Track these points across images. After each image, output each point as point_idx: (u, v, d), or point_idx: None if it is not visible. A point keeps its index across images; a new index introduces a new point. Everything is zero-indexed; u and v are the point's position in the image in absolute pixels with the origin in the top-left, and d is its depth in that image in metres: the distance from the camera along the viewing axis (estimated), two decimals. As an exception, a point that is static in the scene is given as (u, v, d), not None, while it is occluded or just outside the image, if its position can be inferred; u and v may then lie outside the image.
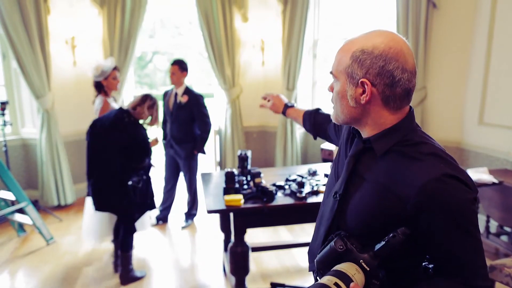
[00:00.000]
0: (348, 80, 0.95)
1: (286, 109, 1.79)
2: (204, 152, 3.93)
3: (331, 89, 1.03)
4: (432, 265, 0.99)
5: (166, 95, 3.92)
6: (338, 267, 0.89)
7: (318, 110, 1.64)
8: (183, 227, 3.99)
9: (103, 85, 3.24)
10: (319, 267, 0.96)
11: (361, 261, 0.89)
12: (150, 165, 3.00)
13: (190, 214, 4.09)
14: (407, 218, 0.89)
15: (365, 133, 1.00)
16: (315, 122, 1.60)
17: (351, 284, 0.84)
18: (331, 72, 1.01)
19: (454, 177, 0.87)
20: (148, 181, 2.97)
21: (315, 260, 0.97)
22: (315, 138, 1.64)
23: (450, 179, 0.86)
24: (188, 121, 3.80)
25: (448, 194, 0.86)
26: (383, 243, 0.89)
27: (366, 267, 0.88)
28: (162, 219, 4.10)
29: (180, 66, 3.71)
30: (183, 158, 3.85)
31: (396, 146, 0.95)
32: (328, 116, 1.53)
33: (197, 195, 4.10)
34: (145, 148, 2.87)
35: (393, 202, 0.91)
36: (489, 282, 0.92)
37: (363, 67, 0.92)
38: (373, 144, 0.97)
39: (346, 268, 0.88)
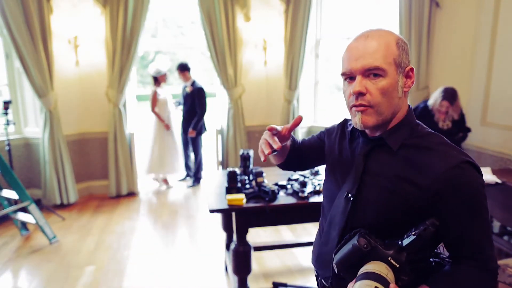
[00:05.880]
0: (398, 70, 0.94)
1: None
2: (196, 130, 4.94)
3: (365, 89, 0.93)
4: (438, 260, 1.00)
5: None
6: (368, 268, 0.84)
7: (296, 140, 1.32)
8: (189, 186, 5.15)
9: (158, 79, 4.88)
10: (340, 269, 0.91)
11: (389, 258, 0.85)
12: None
13: (197, 177, 5.23)
14: (427, 207, 0.91)
15: (379, 131, 1.01)
16: (304, 150, 1.31)
17: (391, 286, 0.81)
18: (376, 67, 0.91)
19: (470, 163, 0.90)
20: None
21: (334, 263, 0.93)
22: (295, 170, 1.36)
23: (466, 165, 0.90)
24: (192, 106, 4.96)
25: (466, 180, 0.89)
26: (413, 237, 0.85)
27: (396, 264, 0.85)
28: (187, 176, 5.48)
29: (183, 69, 4.90)
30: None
31: (407, 140, 0.98)
32: (310, 140, 1.30)
33: (202, 163, 5.25)
34: None
35: (413, 192, 0.92)
36: (497, 263, 0.96)
37: (407, 54, 0.96)
38: (387, 140, 0.99)
39: (377, 268, 0.83)
